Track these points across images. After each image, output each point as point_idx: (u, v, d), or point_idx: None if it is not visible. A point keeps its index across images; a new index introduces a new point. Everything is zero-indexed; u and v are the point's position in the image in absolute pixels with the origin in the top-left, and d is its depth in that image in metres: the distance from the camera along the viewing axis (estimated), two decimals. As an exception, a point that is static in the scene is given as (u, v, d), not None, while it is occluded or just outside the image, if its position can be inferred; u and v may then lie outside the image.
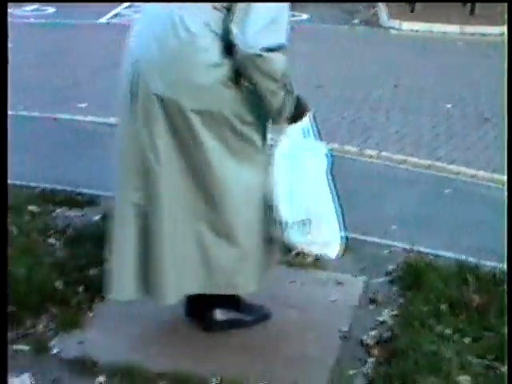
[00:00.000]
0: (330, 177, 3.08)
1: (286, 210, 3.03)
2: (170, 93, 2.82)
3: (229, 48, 2.79)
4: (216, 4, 2.80)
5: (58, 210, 4.68)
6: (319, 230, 3.09)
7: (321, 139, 3.11)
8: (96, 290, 3.63)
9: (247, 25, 2.71)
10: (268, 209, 3.06)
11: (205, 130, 2.85)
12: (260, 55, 2.72)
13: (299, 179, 3.03)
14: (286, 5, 2.80)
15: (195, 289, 3.12)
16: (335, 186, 3.11)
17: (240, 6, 2.74)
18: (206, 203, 2.96)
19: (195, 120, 2.83)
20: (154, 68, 2.84)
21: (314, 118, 3.09)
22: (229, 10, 2.79)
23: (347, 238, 3.21)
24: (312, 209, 3.05)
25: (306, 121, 3.06)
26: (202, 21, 2.80)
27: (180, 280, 3.06)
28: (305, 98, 3.06)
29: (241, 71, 2.82)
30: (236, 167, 2.96)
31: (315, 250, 3.25)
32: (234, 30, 2.74)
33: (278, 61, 2.78)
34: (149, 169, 2.91)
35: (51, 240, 4.19)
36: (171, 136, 2.87)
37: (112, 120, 6.99)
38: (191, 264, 3.04)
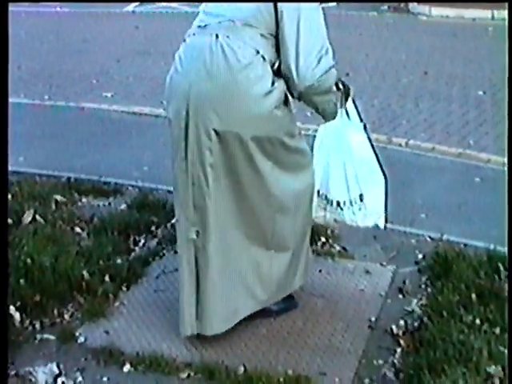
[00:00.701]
0: (372, 148, 3.24)
1: (341, 191, 3.24)
2: (227, 125, 2.81)
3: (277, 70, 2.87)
4: (263, 31, 2.83)
5: (84, 200, 4.71)
6: (372, 202, 3.24)
7: (360, 118, 3.23)
8: (122, 279, 3.67)
9: (301, 62, 2.80)
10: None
11: (261, 154, 2.90)
12: (318, 82, 2.85)
13: (349, 157, 3.19)
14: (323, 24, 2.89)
15: (252, 308, 3.18)
16: (378, 157, 3.23)
17: (288, 35, 2.80)
18: (258, 226, 3.03)
19: (253, 147, 2.86)
20: (206, 101, 2.81)
21: (353, 99, 3.21)
22: (276, 37, 2.84)
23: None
24: (364, 182, 3.21)
25: (349, 102, 3.19)
26: (253, 49, 2.81)
27: (230, 308, 3.11)
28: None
29: (300, 98, 2.94)
30: (291, 181, 3.05)
31: (369, 222, 3.34)
32: (292, 70, 2.82)
33: (331, 76, 2.92)
34: (201, 203, 2.94)
35: (77, 229, 4.22)
36: (224, 166, 2.89)
37: (137, 109, 7.06)
38: (246, 286, 3.10)
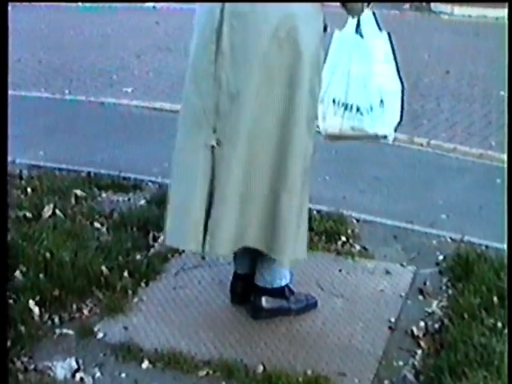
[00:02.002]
0: (393, 55, 3.20)
1: (363, 96, 3.12)
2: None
3: None
4: None
5: (104, 195, 4.72)
6: (391, 109, 3.19)
7: (379, 27, 3.19)
8: (141, 275, 3.66)
9: None
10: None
11: None
12: None
13: (370, 64, 3.12)
14: None
15: (257, 244, 3.05)
16: (397, 64, 3.20)
17: None
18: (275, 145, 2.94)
19: None
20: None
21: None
22: None
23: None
24: (384, 88, 3.15)
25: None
26: None
27: (239, 230, 3.00)
28: None
29: None
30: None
31: (386, 130, 3.25)
32: None
33: None
34: (227, 108, 2.86)
35: (96, 224, 4.22)
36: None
37: (157, 105, 7.06)
38: (257, 218, 3.00)
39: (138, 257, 3.84)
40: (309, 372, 2.97)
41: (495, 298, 3.42)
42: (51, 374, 2.96)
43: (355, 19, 3.13)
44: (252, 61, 2.81)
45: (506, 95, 2.64)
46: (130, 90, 7.68)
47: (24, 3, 12.02)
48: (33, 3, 12.65)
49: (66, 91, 7.58)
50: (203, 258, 3.89)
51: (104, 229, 4.17)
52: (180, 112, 3.11)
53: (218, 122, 2.89)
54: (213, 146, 2.91)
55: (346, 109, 3.17)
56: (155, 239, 4.06)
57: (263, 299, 3.31)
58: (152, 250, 3.95)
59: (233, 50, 2.81)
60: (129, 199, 4.67)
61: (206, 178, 2.95)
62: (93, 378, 2.96)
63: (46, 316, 3.33)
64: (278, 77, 2.85)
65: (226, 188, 2.94)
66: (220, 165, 2.93)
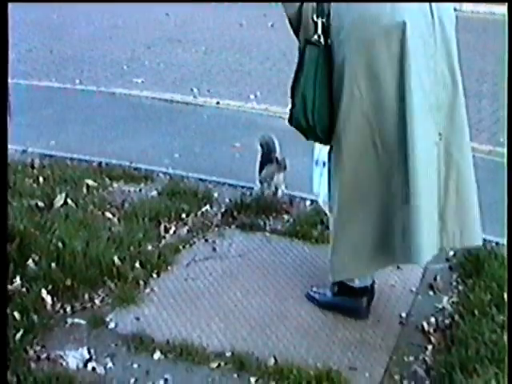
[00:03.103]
0: None
1: None
2: None
3: None
4: None
5: (115, 185, 4.69)
6: None
7: None
8: (152, 265, 3.65)
9: None
10: None
11: None
12: None
13: None
14: None
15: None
16: None
17: None
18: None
19: None
20: None
21: None
22: None
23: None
24: None
25: None
26: None
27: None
28: None
29: None
30: None
31: None
32: None
33: None
34: (446, 101, 2.91)
35: (108, 214, 4.20)
36: None
37: (168, 96, 7.03)
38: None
39: (150, 248, 3.82)
40: (320, 366, 2.96)
41: (505, 295, 3.39)
42: (63, 363, 2.95)
43: None
44: (452, 51, 2.90)
45: (506, 95, 2.66)
46: (140, 80, 7.65)
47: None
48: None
49: (77, 81, 7.55)
50: (214, 249, 3.88)
51: (115, 219, 4.15)
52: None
53: (439, 116, 2.91)
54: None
55: None
56: (166, 230, 4.05)
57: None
58: (163, 241, 3.94)
59: (442, 42, 2.85)
60: (140, 190, 4.65)
61: (438, 174, 2.95)
62: (104, 368, 2.95)
63: (59, 305, 3.32)
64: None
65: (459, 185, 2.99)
66: (445, 160, 2.96)
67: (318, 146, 3.38)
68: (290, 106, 2.97)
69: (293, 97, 2.94)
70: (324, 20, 2.80)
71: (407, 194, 2.82)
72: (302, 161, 4.06)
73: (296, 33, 2.94)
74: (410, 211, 2.82)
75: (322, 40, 2.81)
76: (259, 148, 4.45)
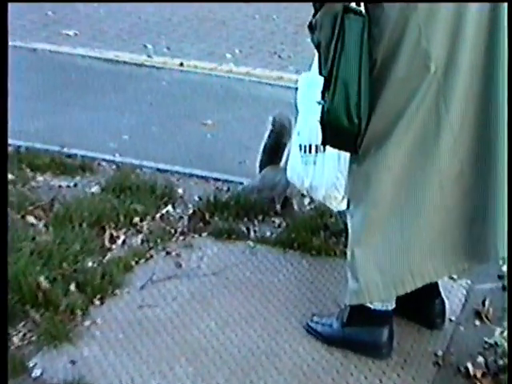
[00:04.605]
0: None
1: None
2: None
3: None
4: None
5: (40, 178, 4.70)
6: None
7: None
8: (94, 289, 3.66)
9: None
10: None
11: None
12: None
13: None
14: None
15: None
16: None
17: None
18: None
19: None
20: None
21: None
22: None
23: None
24: None
25: None
26: None
27: None
28: None
29: None
30: None
31: None
32: None
33: None
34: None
35: (31, 219, 4.20)
36: None
37: (112, 54, 7.04)
38: None
39: (90, 264, 3.83)
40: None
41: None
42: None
43: None
44: None
45: (507, 95, 2.81)
46: (71, 32, 7.65)
47: None
48: None
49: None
50: (178, 265, 3.91)
51: (41, 225, 4.16)
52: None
53: None
54: None
55: None
56: (113, 240, 4.07)
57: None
58: (109, 255, 3.96)
59: None
60: (75, 185, 4.67)
61: None
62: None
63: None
64: None
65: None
66: None
67: (300, 124, 3.47)
68: (319, 97, 3.05)
69: (327, 85, 3.00)
70: None
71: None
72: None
73: None
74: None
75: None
76: (268, 133, 4.51)
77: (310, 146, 3.55)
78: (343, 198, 3.59)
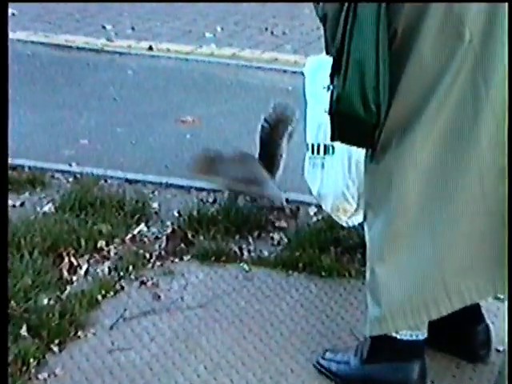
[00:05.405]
0: None
1: None
2: None
3: None
4: None
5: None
6: None
7: None
8: (51, 332, 3.64)
9: None
10: None
11: None
12: None
13: None
14: None
15: None
16: None
17: None
18: None
19: None
20: None
21: None
22: None
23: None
24: None
25: None
26: None
27: None
28: None
29: None
30: None
31: None
32: None
33: None
34: None
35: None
36: None
37: (62, 38, 7.05)
38: None
39: (45, 301, 3.83)
40: None
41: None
42: None
43: None
44: None
45: (507, 95, 2.80)
46: (9, 12, 7.68)
47: None
48: None
49: None
50: (156, 297, 3.93)
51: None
52: None
53: None
54: None
55: None
56: (73, 269, 4.08)
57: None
58: (69, 289, 3.96)
59: None
60: (22, 203, 4.70)
61: None
62: None
63: None
64: None
65: None
66: None
67: (307, 119, 3.47)
68: (328, 82, 3.05)
69: (337, 67, 3.00)
70: None
71: None
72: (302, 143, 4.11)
73: None
74: None
75: None
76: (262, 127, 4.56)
77: (318, 146, 3.55)
78: (355, 210, 3.62)
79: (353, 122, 2.99)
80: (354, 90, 2.92)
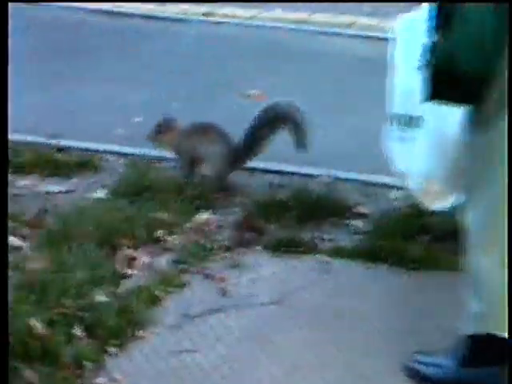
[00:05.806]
0: None
1: None
2: None
3: None
4: None
5: (22, 182, 4.78)
6: None
7: None
8: (108, 330, 3.65)
9: None
10: None
11: None
12: None
13: None
14: None
15: None
16: None
17: None
18: None
19: None
20: None
21: None
22: None
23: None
24: None
25: None
26: None
27: None
28: None
29: None
30: None
31: None
32: None
33: None
34: None
35: (14, 240, 4.16)
36: None
37: (110, 4, 7.07)
38: None
39: (101, 298, 3.86)
40: None
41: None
42: None
43: None
44: None
45: (507, 95, 2.79)
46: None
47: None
48: None
49: None
50: (223, 292, 3.92)
51: (27, 247, 4.22)
52: None
53: None
54: None
55: None
56: (130, 262, 4.11)
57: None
58: (126, 284, 4.00)
59: None
60: (71, 190, 4.74)
61: None
62: None
63: None
64: None
65: None
66: None
67: (399, 89, 3.48)
68: (424, 40, 3.06)
69: (445, 19, 2.97)
70: None
71: None
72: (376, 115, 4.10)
73: None
74: None
75: None
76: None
77: (405, 117, 3.52)
78: (443, 193, 3.60)
79: (460, 74, 2.96)
80: (463, 43, 2.91)
